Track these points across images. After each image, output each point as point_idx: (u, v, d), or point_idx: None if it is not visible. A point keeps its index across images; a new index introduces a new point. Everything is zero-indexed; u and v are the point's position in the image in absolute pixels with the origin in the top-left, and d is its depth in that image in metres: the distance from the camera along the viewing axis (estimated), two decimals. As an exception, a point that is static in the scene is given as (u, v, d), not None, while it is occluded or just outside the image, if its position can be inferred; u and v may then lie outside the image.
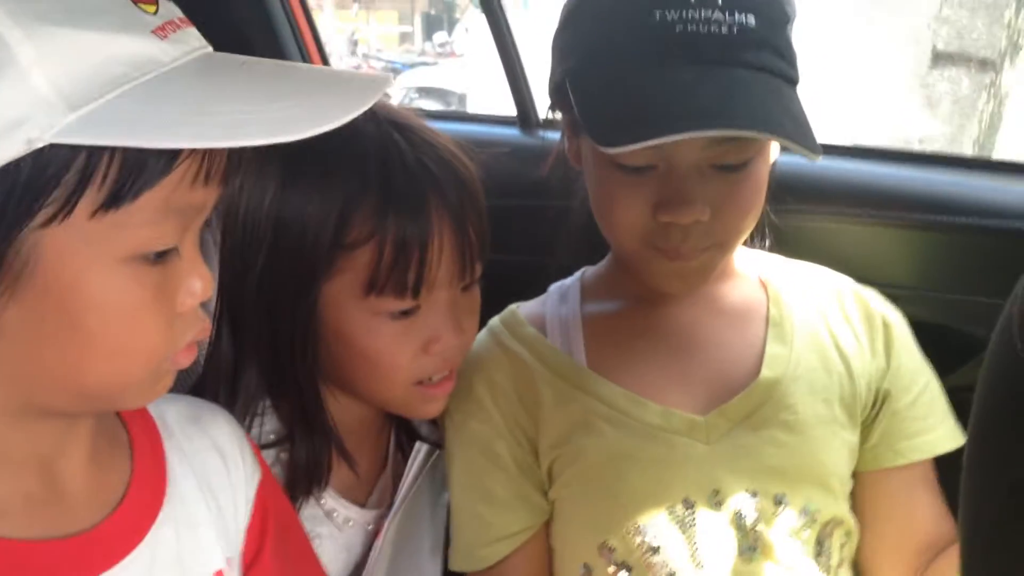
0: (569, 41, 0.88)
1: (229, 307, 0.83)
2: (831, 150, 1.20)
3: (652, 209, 0.84)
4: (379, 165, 0.81)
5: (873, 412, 0.94)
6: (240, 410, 0.85)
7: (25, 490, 0.60)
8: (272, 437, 0.87)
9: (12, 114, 0.49)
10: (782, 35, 0.84)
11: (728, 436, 0.89)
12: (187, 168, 0.55)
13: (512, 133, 1.49)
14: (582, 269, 1.03)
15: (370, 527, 0.93)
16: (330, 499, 0.90)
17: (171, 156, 0.54)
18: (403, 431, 0.99)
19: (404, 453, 0.98)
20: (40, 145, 0.50)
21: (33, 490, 0.61)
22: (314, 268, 0.81)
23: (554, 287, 1.02)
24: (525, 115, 1.49)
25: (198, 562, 0.67)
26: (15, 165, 0.50)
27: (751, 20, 0.80)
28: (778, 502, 0.87)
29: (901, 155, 1.32)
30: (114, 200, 0.53)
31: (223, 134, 0.52)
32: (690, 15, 0.79)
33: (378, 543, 0.90)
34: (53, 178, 0.51)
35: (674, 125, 0.76)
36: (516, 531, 0.92)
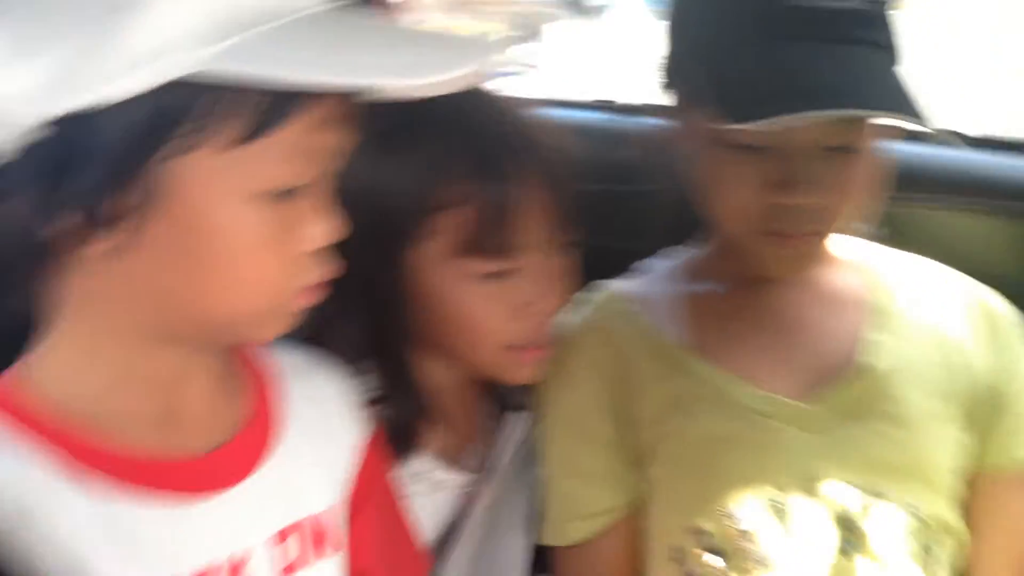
0: (686, 17, 0.88)
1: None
2: (954, 138, 1.15)
3: (764, 190, 0.82)
4: (469, 128, 0.82)
5: (990, 413, 0.90)
6: (343, 366, 0.85)
7: (148, 409, 0.63)
8: (372, 395, 0.87)
9: (158, 42, 0.51)
10: (887, 12, 0.83)
11: (829, 424, 0.86)
12: (318, 108, 0.57)
13: (600, 117, 1.47)
14: (680, 250, 1.01)
15: (462, 491, 0.93)
16: (423, 460, 0.91)
17: (307, 95, 0.55)
18: (495, 400, 0.99)
19: (498, 418, 0.98)
20: (183, 74, 0.52)
21: (156, 410, 0.63)
22: (406, 229, 0.83)
23: (648, 265, 1.01)
24: (613, 100, 1.47)
25: (302, 502, 0.69)
26: (158, 91, 0.52)
27: None
28: (878, 496, 0.84)
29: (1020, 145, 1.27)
30: (249, 135, 0.55)
31: (356, 75, 0.54)
32: None
33: (475, 509, 0.91)
34: (190, 108, 0.53)
35: (813, 102, 0.76)
36: (606, 508, 0.91)
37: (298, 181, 0.59)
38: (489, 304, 0.85)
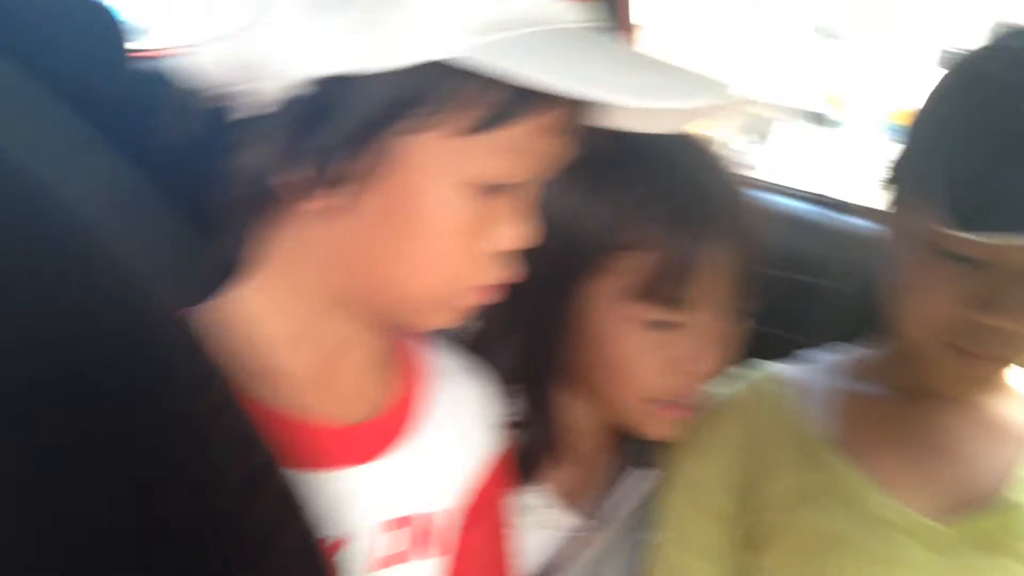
0: (936, 117, 0.87)
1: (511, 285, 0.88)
2: None
3: (966, 304, 0.81)
4: (670, 175, 0.83)
5: None
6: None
7: (308, 371, 0.66)
8: (515, 419, 0.89)
9: (432, 25, 0.55)
10: None
11: (957, 550, 0.83)
12: (547, 115, 0.60)
13: (805, 209, 1.47)
14: (847, 347, 1.00)
15: (571, 534, 0.94)
16: (542, 495, 0.92)
17: (538, 100, 0.58)
18: (625, 454, 1.00)
19: (625, 470, 0.98)
20: (445, 57, 0.56)
21: (314, 373, 0.66)
22: (587, 262, 0.83)
23: (818, 355, 1.00)
24: (825, 195, 1.47)
25: (420, 498, 0.71)
26: (413, 70, 0.56)
27: None
28: None
29: None
30: (480, 126, 0.58)
31: (599, 87, 0.56)
32: None
33: (582, 555, 0.91)
34: (436, 92, 0.57)
35: None
36: None
37: (509, 179, 0.61)
38: (646, 353, 0.85)
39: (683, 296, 0.82)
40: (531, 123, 0.59)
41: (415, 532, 0.70)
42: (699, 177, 0.84)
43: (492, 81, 0.56)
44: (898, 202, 0.90)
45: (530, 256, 0.84)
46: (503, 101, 0.58)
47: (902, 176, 0.91)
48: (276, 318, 0.65)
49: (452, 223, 0.61)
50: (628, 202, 0.83)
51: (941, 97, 0.87)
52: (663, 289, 0.82)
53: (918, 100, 0.89)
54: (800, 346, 1.02)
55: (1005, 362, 0.85)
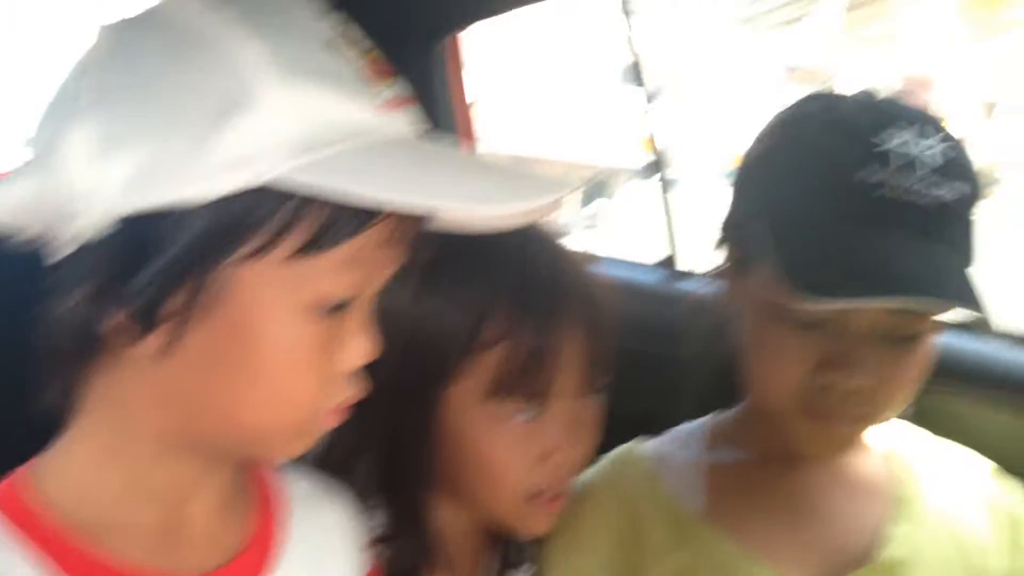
0: (764, 181, 0.88)
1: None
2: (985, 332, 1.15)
3: (816, 368, 0.82)
4: (518, 269, 0.82)
5: None
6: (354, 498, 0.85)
7: (152, 522, 0.62)
8: (379, 533, 0.86)
9: (247, 151, 0.53)
10: (970, 215, 0.83)
11: None
12: (382, 227, 0.58)
13: (652, 279, 1.51)
14: (708, 416, 1.01)
15: None
16: None
17: (371, 213, 0.57)
18: (503, 553, 0.97)
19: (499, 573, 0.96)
20: (265, 180, 0.54)
21: (159, 524, 0.63)
22: (442, 368, 0.82)
23: (678, 429, 1.00)
24: (671, 261, 1.51)
25: None
26: (232, 198, 0.54)
27: (950, 195, 0.80)
28: None
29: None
30: (311, 247, 0.56)
31: (429, 197, 0.56)
32: (895, 181, 0.79)
33: None
34: (263, 217, 0.55)
35: (889, 288, 0.76)
36: None
37: (350, 296, 0.60)
38: (515, 449, 0.83)
39: (543, 386, 0.81)
40: (367, 237, 0.58)
41: None
42: (543, 265, 0.84)
43: (320, 200, 0.55)
44: (734, 267, 0.92)
45: (383, 368, 0.82)
46: (334, 220, 0.56)
47: (733, 242, 0.92)
48: (112, 469, 0.62)
49: (296, 351, 0.59)
50: (476, 300, 0.82)
51: (762, 163, 0.89)
52: (523, 382, 0.81)
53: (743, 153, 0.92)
54: (668, 417, 1.02)
55: (864, 422, 0.86)
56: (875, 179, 0.79)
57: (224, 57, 0.54)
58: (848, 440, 0.88)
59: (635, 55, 1.51)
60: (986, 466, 0.95)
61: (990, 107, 6.93)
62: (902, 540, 0.87)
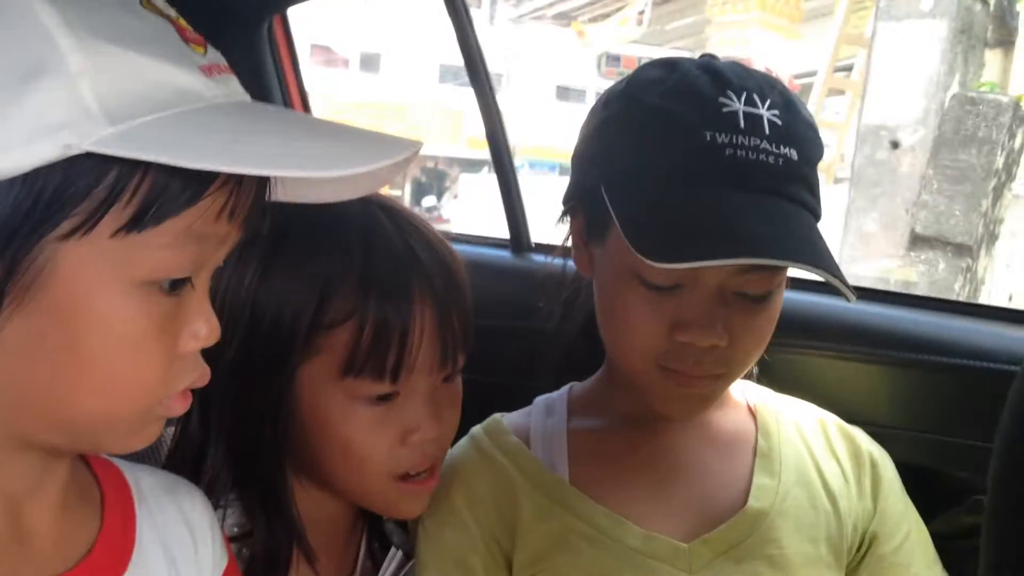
0: (606, 150, 0.88)
1: (201, 388, 0.81)
2: (823, 288, 1.20)
3: (670, 329, 0.83)
4: (363, 244, 0.81)
5: (858, 555, 0.91)
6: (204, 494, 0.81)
7: None
8: (236, 531, 0.83)
9: (54, 118, 0.49)
10: (814, 173, 0.85)
11: (710, 567, 0.85)
12: (215, 199, 0.55)
13: (503, 255, 1.51)
14: (569, 384, 1.01)
15: None
16: None
17: (201, 183, 0.54)
18: (375, 537, 0.95)
19: (375, 561, 0.94)
20: (76, 152, 0.50)
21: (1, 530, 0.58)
22: (291, 347, 0.80)
23: (540, 399, 1.00)
24: (517, 238, 1.51)
25: None
26: (47, 170, 0.50)
27: (794, 154, 0.81)
28: None
29: (894, 296, 1.33)
30: (138, 221, 0.52)
31: (260, 163, 0.53)
32: (740, 141, 0.80)
33: None
34: (82, 190, 0.51)
35: (734, 249, 0.77)
36: None
37: (187, 271, 0.56)
38: (374, 429, 0.82)
39: (390, 365, 0.80)
40: (200, 207, 0.55)
41: None
42: (390, 241, 0.82)
43: (145, 171, 0.52)
44: (583, 238, 0.92)
45: (228, 352, 0.78)
46: (161, 192, 0.53)
47: (583, 211, 0.92)
48: None
49: (130, 333, 0.55)
50: (325, 276, 0.80)
51: (603, 132, 0.89)
52: (374, 359, 0.79)
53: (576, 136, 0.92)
54: (531, 391, 1.02)
55: (721, 379, 0.87)
56: (723, 140, 0.80)
57: (25, 20, 0.50)
58: (706, 399, 0.90)
59: (469, 48, 1.50)
60: (836, 419, 0.98)
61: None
62: (766, 493, 0.90)
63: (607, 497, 0.89)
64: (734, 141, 0.80)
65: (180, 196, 0.53)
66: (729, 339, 0.83)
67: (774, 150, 0.80)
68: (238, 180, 0.56)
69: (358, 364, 0.79)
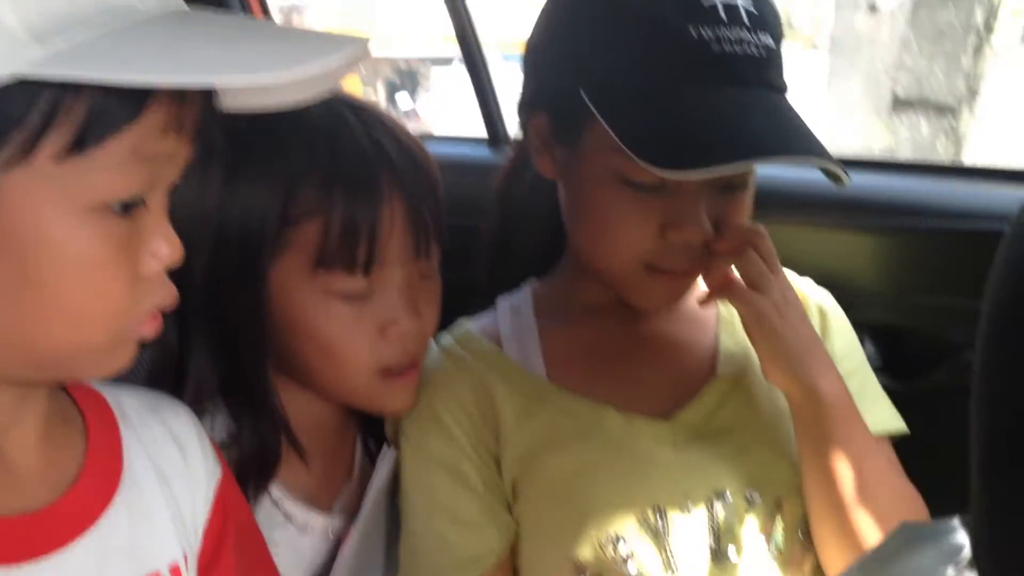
0: (583, 52, 0.85)
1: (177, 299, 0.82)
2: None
3: (660, 229, 0.83)
4: (327, 139, 0.80)
5: None
6: (189, 406, 0.81)
7: None
8: (223, 437, 0.84)
9: None
10: (781, 55, 0.84)
11: (693, 438, 0.87)
12: (158, 115, 0.53)
13: (481, 152, 1.49)
14: (529, 283, 1.00)
15: (331, 534, 0.90)
16: (288, 502, 0.87)
17: (140, 100, 0.52)
18: (372, 436, 0.96)
19: (372, 459, 0.95)
20: (2, 77, 0.48)
21: None
22: (261, 246, 0.80)
23: (503, 301, 0.99)
24: (494, 133, 1.49)
25: (152, 552, 0.64)
26: None
27: (770, 41, 0.81)
28: (749, 500, 0.85)
29: (872, 163, 1.33)
30: (79, 143, 0.51)
31: (198, 73, 0.51)
32: (724, 34, 0.78)
33: (343, 551, 0.87)
34: (15, 117, 0.49)
35: (742, 151, 0.76)
36: (487, 552, 0.88)
37: (137, 191, 0.55)
38: (352, 325, 0.82)
39: (366, 258, 0.80)
40: (143, 125, 0.53)
41: None
42: (358, 137, 0.82)
43: (79, 92, 0.50)
44: (553, 137, 0.90)
45: (197, 263, 0.78)
46: (100, 111, 0.51)
47: (546, 110, 0.89)
48: None
49: (92, 256, 0.54)
50: (290, 173, 0.80)
51: (575, 32, 0.86)
52: (343, 253, 0.79)
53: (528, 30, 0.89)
54: (488, 289, 1.02)
55: (697, 274, 0.88)
56: (708, 35, 0.78)
57: None
58: (683, 290, 0.90)
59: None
60: (795, 276, 0.97)
61: None
62: (730, 358, 0.92)
63: (585, 388, 0.90)
64: (719, 35, 0.79)
65: (119, 114, 0.51)
66: (713, 230, 0.83)
67: (755, 40, 0.80)
68: (180, 94, 0.54)
69: (329, 258, 0.80)
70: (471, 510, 0.88)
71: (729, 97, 0.79)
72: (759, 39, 0.80)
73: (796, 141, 0.80)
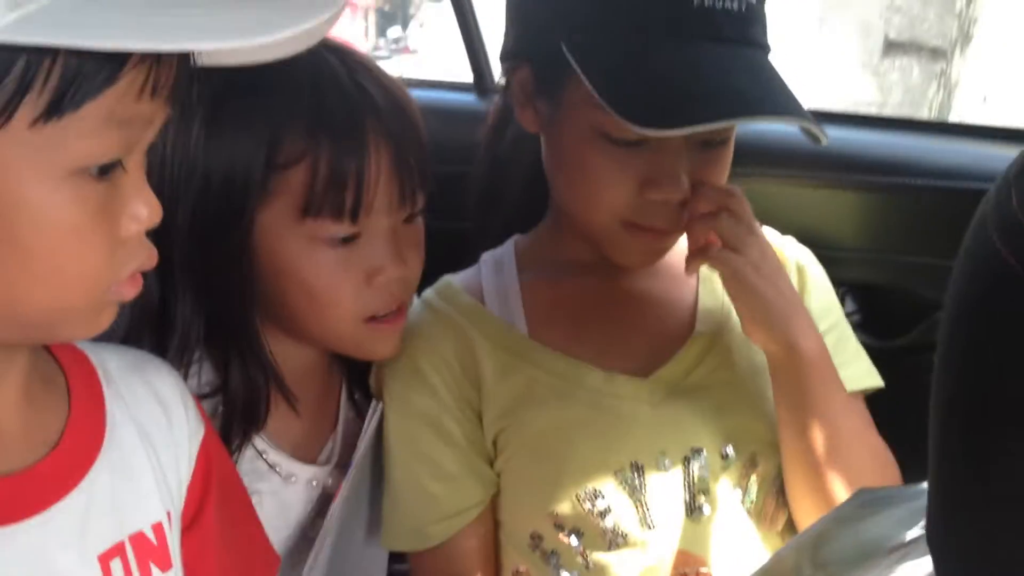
0: (566, 6, 0.85)
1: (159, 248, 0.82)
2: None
3: (639, 186, 0.83)
4: (311, 85, 0.80)
5: None
6: (174, 358, 0.82)
7: None
8: (208, 389, 0.85)
9: None
10: (764, 10, 0.84)
11: (671, 396, 0.88)
12: (134, 78, 0.53)
13: (467, 99, 1.47)
14: (512, 238, 1.00)
15: (315, 484, 0.91)
16: (273, 452, 0.88)
17: (116, 64, 0.51)
18: (356, 385, 0.97)
19: (358, 410, 0.96)
20: None
21: None
22: (247, 194, 0.80)
23: (486, 256, 0.99)
24: (481, 80, 1.47)
25: (136, 512, 0.65)
26: None
27: None
28: (724, 456, 0.86)
29: (858, 119, 1.32)
30: (55, 109, 0.50)
31: (174, 38, 0.50)
32: None
33: (334, 504, 0.88)
34: None
35: (720, 110, 0.76)
36: (469, 506, 0.90)
37: (114, 154, 0.54)
38: (339, 271, 0.83)
39: (348, 204, 0.80)
40: (118, 89, 0.52)
41: (137, 554, 0.65)
42: (341, 82, 0.81)
43: (55, 56, 0.49)
44: (532, 89, 0.89)
45: (181, 216, 0.79)
46: (75, 76, 0.50)
47: (529, 63, 0.89)
48: None
49: (72, 219, 0.54)
50: (274, 120, 0.79)
51: None
52: (330, 199, 0.79)
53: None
54: (475, 242, 1.01)
55: (677, 230, 0.88)
56: None
57: None
58: (666, 248, 0.90)
59: None
60: (775, 233, 0.97)
61: None
62: (708, 315, 0.92)
63: (566, 345, 0.91)
64: None
65: (95, 78, 0.51)
66: (692, 188, 0.83)
67: None
68: (156, 56, 0.54)
69: (316, 204, 0.79)
70: (452, 464, 0.90)
71: (710, 54, 0.79)
72: None
73: (776, 100, 0.80)
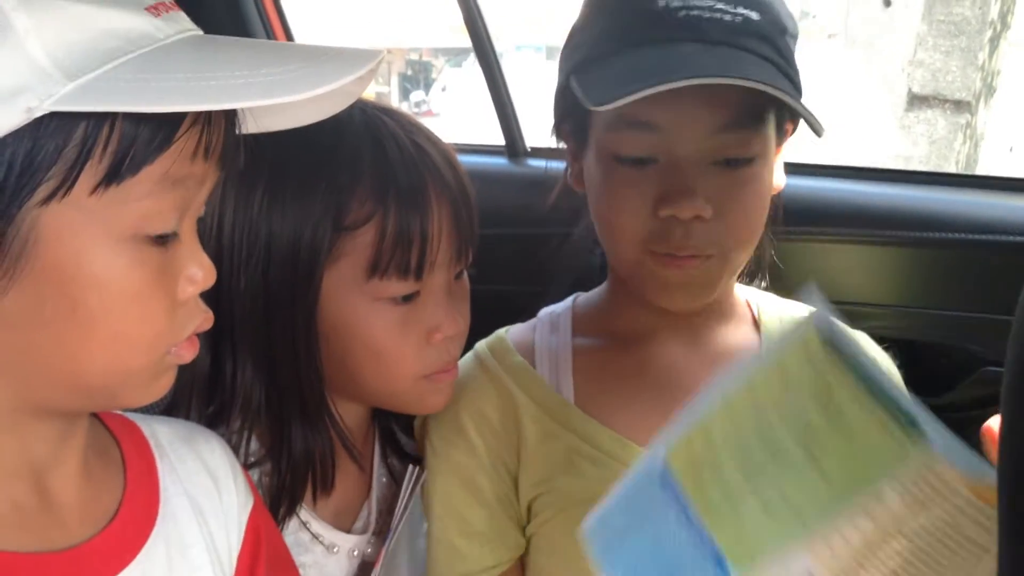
0: (575, 45, 0.88)
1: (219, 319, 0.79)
2: (821, 170, 1.19)
3: (653, 205, 0.82)
4: (373, 146, 0.81)
5: None
6: (231, 427, 0.83)
7: (15, 500, 0.58)
8: (253, 459, 0.85)
9: (10, 82, 0.48)
10: (783, 41, 0.83)
11: None
12: (187, 140, 0.54)
13: (500, 162, 1.49)
14: (573, 296, 1.00)
15: (356, 553, 0.90)
16: (315, 522, 0.88)
17: (171, 127, 0.53)
18: (389, 445, 0.97)
19: (391, 472, 0.96)
20: (39, 114, 0.49)
21: (24, 500, 0.59)
22: (315, 257, 0.80)
23: (544, 313, 0.99)
24: (512, 144, 1.49)
25: None
26: (13, 138, 0.49)
27: (754, 15, 0.80)
28: None
29: (891, 174, 1.32)
30: (115, 174, 0.52)
31: (224, 96, 0.52)
32: (694, 3, 0.79)
33: (376, 570, 0.87)
34: (53, 151, 0.50)
35: (668, 79, 0.75)
36: (491, 565, 0.89)
37: (170, 220, 0.56)
38: (402, 329, 0.83)
39: (414, 262, 0.81)
40: (173, 151, 0.54)
41: None
42: (400, 141, 0.83)
43: (113, 123, 0.51)
44: (574, 147, 0.91)
45: (244, 284, 0.80)
46: (132, 141, 0.52)
47: (569, 122, 0.91)
48: None
49: (132, 284, 0.55)
50: (340, 182, 0.80)
51: (569, 34, 0.89)
52: (398, 257, 0.80)
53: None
54: (520, 298, 1.02)
55: (715, 259, 0.84)
56: (676, 3, 0.79)
57: None
58: (705, 284, 0.87)
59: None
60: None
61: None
62: None
63: (611, 417, 0.89)
64: (688, 4, 0.79)
65: (152, 142, 0.53)
66: (714, 212, 0.81)
67: (731, 10, 0.80)
68: (207, 117, 0.55)
69: (383, 263, 0.80)
70: (482, 524, 0.89)
71: (687, 47, 0.79)
72: (736, 10, 0.80)
73: (748, 73, 0.77)
